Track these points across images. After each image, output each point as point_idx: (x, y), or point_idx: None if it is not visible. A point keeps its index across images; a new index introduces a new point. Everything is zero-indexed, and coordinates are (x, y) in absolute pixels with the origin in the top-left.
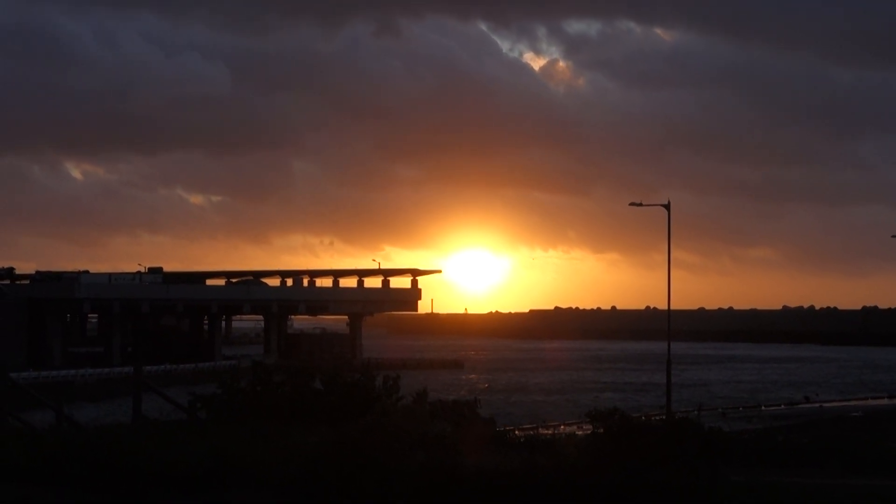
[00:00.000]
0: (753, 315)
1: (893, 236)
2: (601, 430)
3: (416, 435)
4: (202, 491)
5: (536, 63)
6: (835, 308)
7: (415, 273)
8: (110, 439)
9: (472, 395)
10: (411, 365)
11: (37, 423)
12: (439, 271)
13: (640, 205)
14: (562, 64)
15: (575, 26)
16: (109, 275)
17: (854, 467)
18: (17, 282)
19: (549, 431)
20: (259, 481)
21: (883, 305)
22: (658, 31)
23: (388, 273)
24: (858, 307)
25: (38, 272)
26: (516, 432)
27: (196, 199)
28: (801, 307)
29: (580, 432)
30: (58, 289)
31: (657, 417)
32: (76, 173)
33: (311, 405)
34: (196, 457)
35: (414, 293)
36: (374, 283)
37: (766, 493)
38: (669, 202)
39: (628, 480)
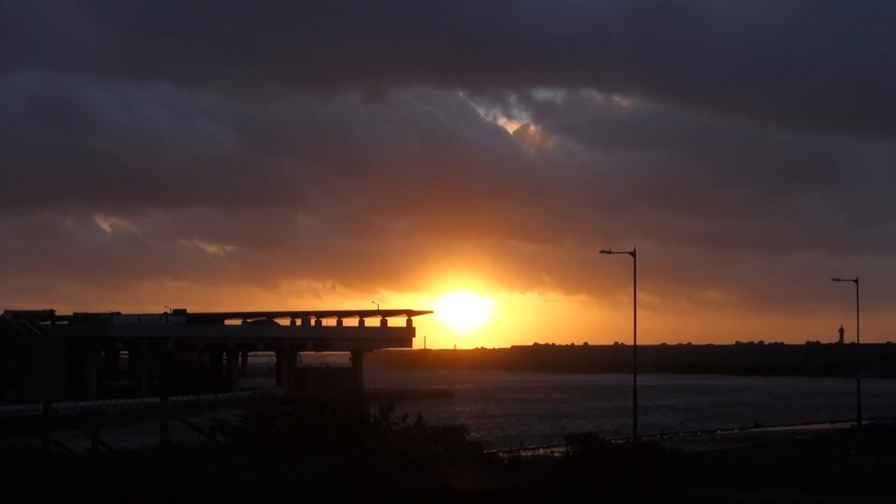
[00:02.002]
0: (710, 349)
1: (833, 280)
2: (577, 452)
3: (414, 458)
4: None
5: (510, 127)
6: (781, 343)
7: (409, 313)
8: (142, 463)
9: (461, 421)
10: (406, 395)
11: (75, 449)
12: (431, 311)
13: (610, 252)
14: (533, 128)
15: (542, 94)
16: (138, 316)
17: (803, 485)
18: (57, 323)
19: (529, 453)
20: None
21: (825, 341)
22: (617, 98)
23: (385, 313)
24: (803, 342)
25: (75, 314)
26: (500, 455)
27: (212, 248)
28: (752, 342)
29: (557, 454)
30: (92, 329)
31: (625, 440)
32: (105, 226)
33: (318, 431)
34: (217, 481)
35: (409, 331)
36: (373, 322)
37: None
38: (635, 250)
39: (602, 496)
